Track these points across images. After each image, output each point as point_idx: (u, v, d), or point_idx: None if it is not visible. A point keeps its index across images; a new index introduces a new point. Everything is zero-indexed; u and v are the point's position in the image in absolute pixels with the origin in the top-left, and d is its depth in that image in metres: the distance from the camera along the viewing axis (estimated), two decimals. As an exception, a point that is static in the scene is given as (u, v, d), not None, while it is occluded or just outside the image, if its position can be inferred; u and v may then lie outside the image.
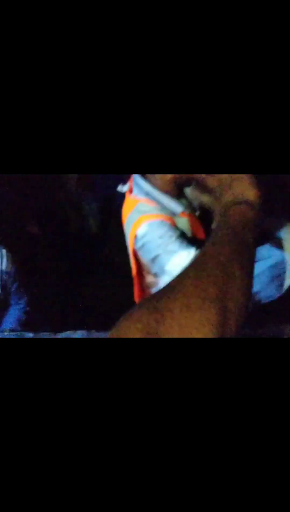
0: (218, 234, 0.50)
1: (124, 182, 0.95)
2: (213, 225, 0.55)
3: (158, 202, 0.85)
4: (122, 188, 0.94)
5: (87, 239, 1.66)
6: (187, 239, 0.85)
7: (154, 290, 0.89)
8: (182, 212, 0.86)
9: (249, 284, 0.45)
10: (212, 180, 0.61)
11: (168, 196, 0.85)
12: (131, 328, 0.37)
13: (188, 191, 0.94)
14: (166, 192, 0.85)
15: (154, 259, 0.82)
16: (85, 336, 0.79)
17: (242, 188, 0.57)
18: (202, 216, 0.91)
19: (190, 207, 0.90)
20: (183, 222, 0.87)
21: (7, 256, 1.25)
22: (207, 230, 0.93)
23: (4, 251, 1.27)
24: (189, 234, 0.89)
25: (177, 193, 0.88)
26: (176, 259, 0.79)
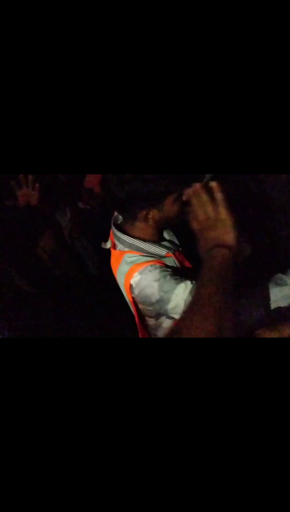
0: (206, 277, 0.63)
1: (106, 239, 1.00)
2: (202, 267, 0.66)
3: (142, 251, 0.88)
4: (105, 245, 1.00)
5: (87, 282, 1.69)
6: (180, 273, 0.88)
7: (157, 332, 0.91)
8: (167, 253, 0.90)
9: (235, 312, 0.59)
10: (196, 224, 0.74)
11: (150, 243, 0.89)
12: None
13: (166, 233, 1.01)
14: (148, 239, 0.89)
15: (155, 303, 0.84)
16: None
17: (222, 231, 0.69)
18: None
19: (172, 247, 0.94)
20: (171, 260, 0.90)
21: None
22: (191, 260, 0.99)
23: None
24: (179, 268, 0.93)
25: (158, 238, 0.93)
26: (177, 295, 0.81)
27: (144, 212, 0.84)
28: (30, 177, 1.42)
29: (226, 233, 0.69)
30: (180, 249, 0.97)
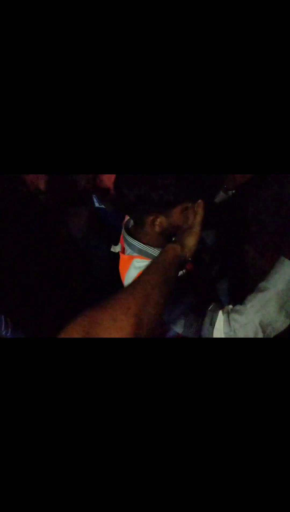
0: (153, 265, 0.67)
1: (116, 242, 0.99)
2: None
3: (151, 257, 0.87)
4: (115, 249, 0.99)
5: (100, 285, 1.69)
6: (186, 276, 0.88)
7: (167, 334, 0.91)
8: None
9: (162, 305, 0.61)
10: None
11: (159, 249, 0.88)
12: (74, 330, 0.48)
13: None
14: (157, 245, 0.88)
15: None
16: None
17: (186, 234, 0.76)
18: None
19: None
20: None
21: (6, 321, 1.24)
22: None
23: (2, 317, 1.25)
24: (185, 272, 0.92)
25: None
26: None
27: (152, 218, 0.83)
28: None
29: (189, 237, 0.76)
30: (190, 259, 0.95)
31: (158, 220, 0.83)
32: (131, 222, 0.95)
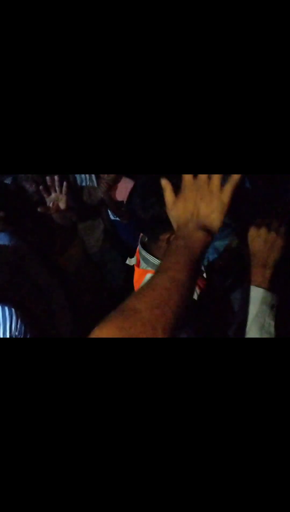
0: (174, 252, 0.55)
1: (131, 255, 1.00)
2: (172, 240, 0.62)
3: None
4: (130, 261, 0.99)
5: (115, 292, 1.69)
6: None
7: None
8: None
9: (192, 290, 0.52)
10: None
11: None
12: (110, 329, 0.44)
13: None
14: None
15: None
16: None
17: (213, 208, 0.60)
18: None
19: None
20: None
21: (16, 315, 1.22)
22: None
23: (13, 310, 1.22)
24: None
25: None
26: None
27: (167, 236, 0.82)
28: (56, 178, 1.41)
29: (217, 212, 0.60)
30: (204, 275, 0.94)
31: (173, 238, 0.83)
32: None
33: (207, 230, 0.58)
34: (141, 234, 0.97)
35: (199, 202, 0.61)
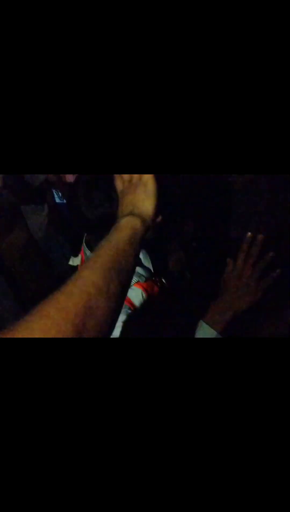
0: (104, 245, 0.50)
1: (76, 254, 0.94)
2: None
3: None
4: (74, 261, 0.93)
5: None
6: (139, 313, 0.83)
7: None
8: (135, 283, 0.83)
9: (122, 296, 0.47)
10: (119, 183, 0.65)
11: None
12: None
13: (141, 255, 0.94)
14: None
15: None
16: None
17: (141, 196, 0.59)
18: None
19: (144, 274, 0.88)
20: (138, 293, 0.83)
21: None
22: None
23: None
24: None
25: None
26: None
27: None
28: None
29: (145, 199, 0.59)
30: (154, 278, 0.90)
31: None
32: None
33: (140, 217, 0.56)
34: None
35: (137, 193, 0.60)
